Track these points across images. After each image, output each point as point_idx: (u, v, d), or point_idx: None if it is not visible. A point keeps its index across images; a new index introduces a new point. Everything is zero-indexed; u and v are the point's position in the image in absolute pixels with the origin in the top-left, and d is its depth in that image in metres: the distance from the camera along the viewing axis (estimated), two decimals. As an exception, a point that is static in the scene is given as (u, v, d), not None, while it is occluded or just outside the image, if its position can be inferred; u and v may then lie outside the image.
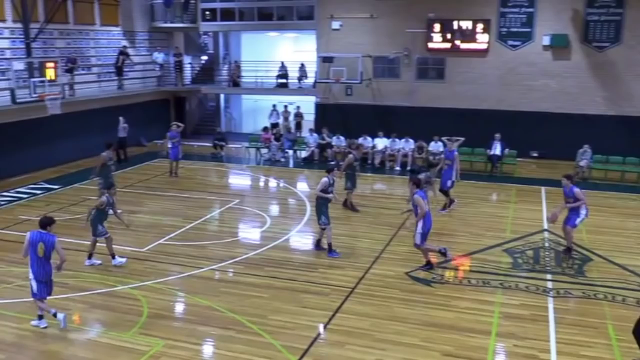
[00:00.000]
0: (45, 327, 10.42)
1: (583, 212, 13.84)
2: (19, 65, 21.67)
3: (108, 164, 17.73)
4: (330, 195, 14.02)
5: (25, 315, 10.81)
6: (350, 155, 18.01)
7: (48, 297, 10.52)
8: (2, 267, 13.18)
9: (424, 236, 12.89)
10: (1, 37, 22.32)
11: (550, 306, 11.36)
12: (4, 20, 22.30)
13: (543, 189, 20.45)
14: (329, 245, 14.12)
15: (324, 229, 14.17)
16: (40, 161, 22.61)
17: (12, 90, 20.33)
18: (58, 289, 11.95)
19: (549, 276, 12.93)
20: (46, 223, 10.37)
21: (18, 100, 20.29)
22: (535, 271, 13.21)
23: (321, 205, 14.07)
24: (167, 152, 22.79)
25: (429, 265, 13.13)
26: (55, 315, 10.34)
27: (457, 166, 17.90)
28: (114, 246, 13.49)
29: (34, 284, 10.21)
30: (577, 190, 13.68)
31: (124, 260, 13.51)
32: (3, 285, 12.20)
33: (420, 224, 12.78)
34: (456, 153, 18.18)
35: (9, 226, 16.04)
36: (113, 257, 13.41)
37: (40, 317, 10.52)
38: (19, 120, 21.74)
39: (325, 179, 14.11)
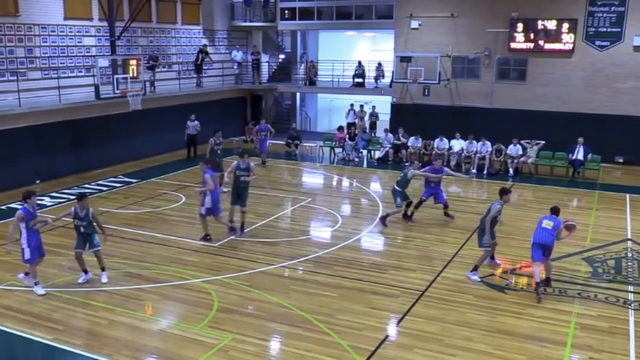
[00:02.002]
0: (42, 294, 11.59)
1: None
2: (104, 62, 22.40)
3: (215, 149, 19.49)
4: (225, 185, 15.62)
5: (100, 304, 11.15)
6: (409, 171, 16.33)
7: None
8: (81, 256, 13.61)
9: (209, 211, 14.47)
10: (88, 35, 23.23)
11: (631, 319, 10.80)
12: (90, 19, 23.20)
13: (628, 196, 19.58)
14: (241, 224, 15.42)
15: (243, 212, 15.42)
16: (120, 155, 23.38)
17: (96, 86, 21.03)
18: (131, 279, 12.36)
19: (630, 287, 12.31)
20: (24, 196, 11.63)
21: (102, 96, 20.95)
22: (616, 282, 12.61)
23: (233, 186, 15.36)
24: (256, 146, 25.41)
25: (233, 231, 15.01)
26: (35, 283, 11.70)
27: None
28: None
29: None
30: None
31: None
32: (81, 274, 12.59)
33: (206, 199, 14.28)
34: (446, 169, 17.20)
35: (90, 217, 16.56)
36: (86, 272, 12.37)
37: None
38: (102, 115, 22.58)
39: (234, 163, 15.33)
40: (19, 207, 11.99)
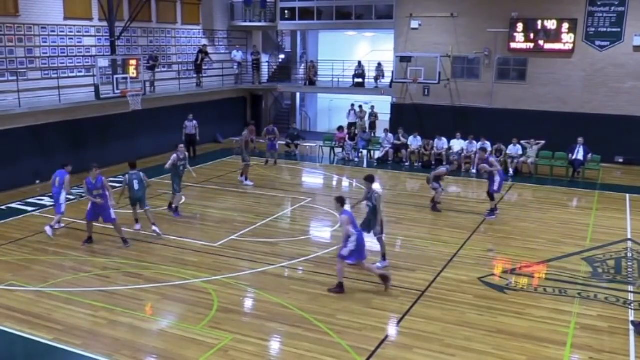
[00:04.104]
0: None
1: (350, 246, 11.61)
2: (104, 62, 22.43)
3: (248, 142, 21.02)
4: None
5: (100, 304, 11.16)
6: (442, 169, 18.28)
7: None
8: (81, 256, 13.65)
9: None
10: (88, 35, 23.22)
11: (631, 319, 10.78)
12: (90, 19, 23.20)
13: (628, 196, 19.57)
14: (176, 207, 16.83)
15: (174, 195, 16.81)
16: (119, 155, 23.27)
17: (96, 86, 21.00)
18: (132, 279, 12.36)
19: (630, 287, 12.30)
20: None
21: (102, 96, 20.92)
22: (616, 282, 12.60)
23: (173, 176, 16.64)
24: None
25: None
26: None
27: None
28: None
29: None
30: (344, 217, 11.72)
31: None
32: (82, 275, 12.63)
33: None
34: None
35: (90, 217, 16.58)
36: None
37: None
38: (102, 115, 22.58)
39: (174, 155, 16.35)
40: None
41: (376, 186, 13.17)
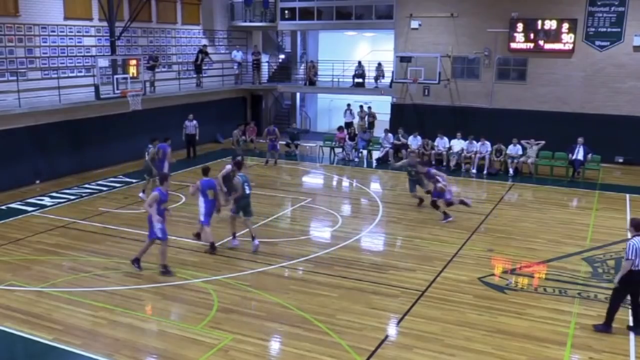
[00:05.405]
0: None
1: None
2: (104, 62, 22.41)
3: (239, 140, 22.45)
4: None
5: (100, 304, 11.15)
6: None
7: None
8: (81, 256, 13.64)
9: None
10: (88, 35, 23.21)
11: (631, 319, 10.75)
12: (90, 19, 23.19)
13: (628, 196, 19.56)
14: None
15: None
16: (120, 155, 23.34)
17: (96, 86, 21.00)
18: (131, 279, 12.37)
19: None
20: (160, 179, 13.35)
21: (102, 96, 20.91)
22: (617, 282, 12.60)
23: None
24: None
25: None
26: None
27: None
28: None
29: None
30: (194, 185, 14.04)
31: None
32: (82, 275, 12.63)
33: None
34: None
35: (89, 217, 16.61)
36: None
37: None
38: (101, 115, 22.55)
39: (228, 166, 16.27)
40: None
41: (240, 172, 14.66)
